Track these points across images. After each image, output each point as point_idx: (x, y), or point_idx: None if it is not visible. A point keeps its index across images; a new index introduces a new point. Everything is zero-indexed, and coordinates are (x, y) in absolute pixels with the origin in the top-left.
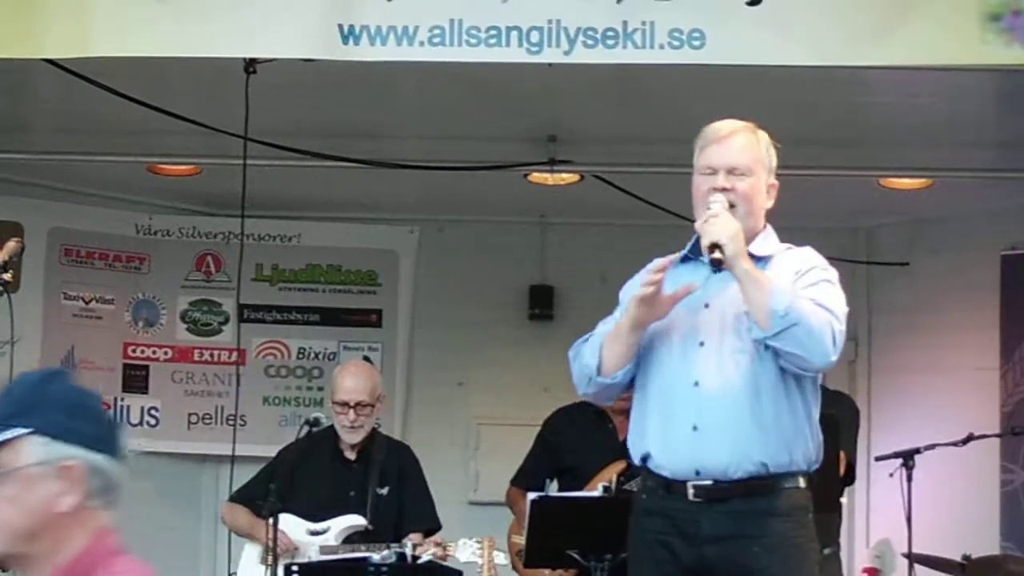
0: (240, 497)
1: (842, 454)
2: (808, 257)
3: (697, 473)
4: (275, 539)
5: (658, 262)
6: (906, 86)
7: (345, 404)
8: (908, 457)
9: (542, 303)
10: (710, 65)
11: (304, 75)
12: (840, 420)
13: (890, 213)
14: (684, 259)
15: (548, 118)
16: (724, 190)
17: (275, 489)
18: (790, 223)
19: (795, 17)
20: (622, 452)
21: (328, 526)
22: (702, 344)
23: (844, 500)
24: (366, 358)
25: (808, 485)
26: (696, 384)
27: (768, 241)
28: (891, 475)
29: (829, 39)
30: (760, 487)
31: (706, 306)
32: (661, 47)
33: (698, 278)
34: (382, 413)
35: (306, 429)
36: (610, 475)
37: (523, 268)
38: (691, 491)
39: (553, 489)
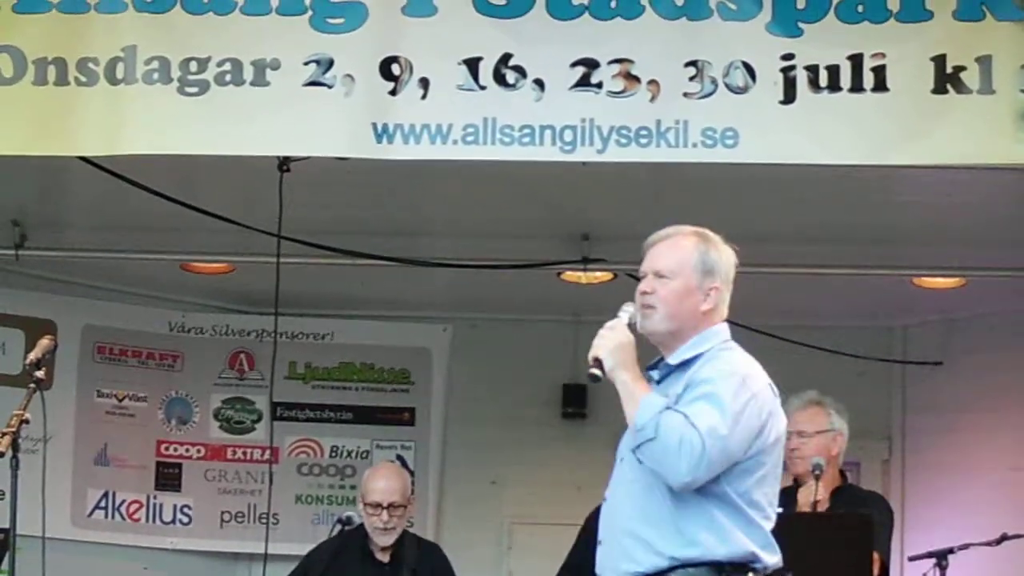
0: None
1: (876, 555)
2: (716, 368)
3: None
4: None
5: None
6: (939, 185)
7: (378, 505)
8: (942, 557)
9: (575, 401)
10: (743, 164)
11: (338, 173)
12: (875, 520)
13: (924, 312)
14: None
15: (581, 216)
16: (644, 293)
17: None
18: (825, 322)
19: (828, 117)
20: None
21: None
22: (622, 460)
23: None
24: (399, 457)
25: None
26: (606, 499)
27: (700, 345)
28: (925, 575)
29: (862, 139)
30: None
31: None
32: (695, 145)
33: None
34: (413, 513)
35: (339, 527)
36: None
37: (556, 366)
38: None
39: None
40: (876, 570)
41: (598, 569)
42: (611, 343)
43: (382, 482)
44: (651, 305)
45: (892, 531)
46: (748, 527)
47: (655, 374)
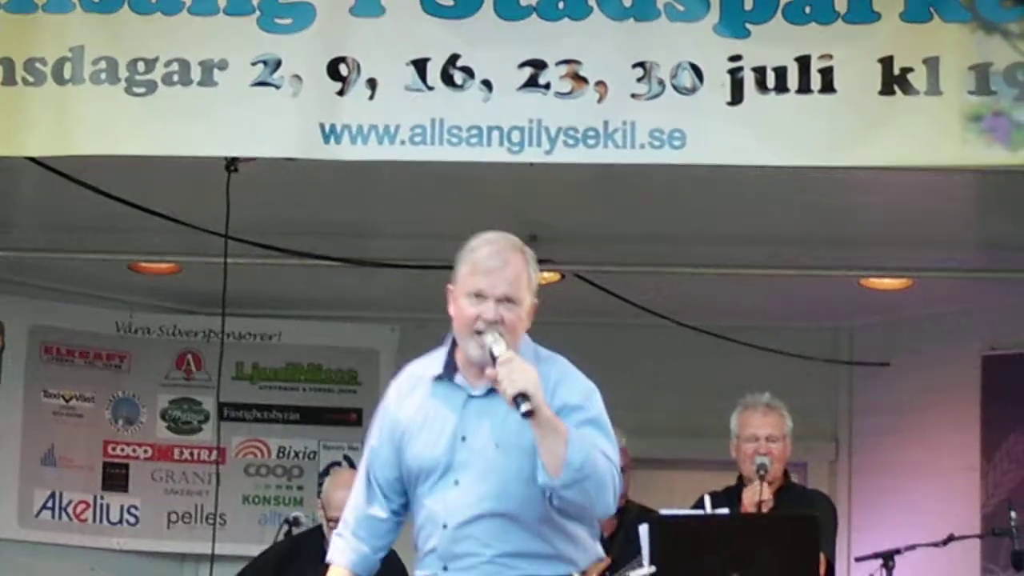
0: None
1: (822, 555)
2: (575, 388)
3: None
4: None
5: None
6: (886, 186)
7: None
8: (888, 558)
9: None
10: (690, 165)
11: (285, 173)
12: (820, 521)
13: (871, 313)
14: (439, 377)
15: (529, 217)
16: (494, 322)
17: None
18: (772, 323)
19: (775, 118)
20: (607, 548)
21: None
22: (457, 483)
23: None
24: (347, 457)
25: None
26: (445, 527)
27: (527, 358)
28: (872, 575)
29: (809, 140)
30: None
31: (463, 439)
32: (642, 147)
33: (454, 405)
34: None
35: (286, 528)
36: (596, 572)
37: None
38: None
39: None
40: (822, 570)
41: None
42: (532, 376)
43: (343, 492)
44: (501, 335)
45: (837, 530)
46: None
47: (476, 391)
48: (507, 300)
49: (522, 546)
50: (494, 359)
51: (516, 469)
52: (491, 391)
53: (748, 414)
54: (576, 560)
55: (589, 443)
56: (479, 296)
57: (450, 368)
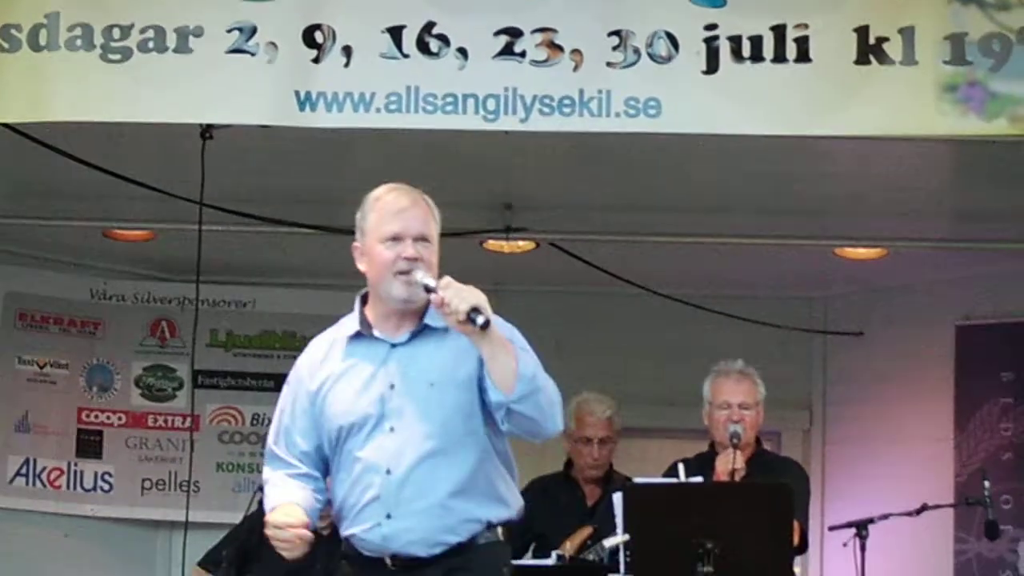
0: (210, 560)
1: (795, 523)
2: (501, 324)
3: (393, 556)
4: None
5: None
6: (861, 156)
7: None
8: (862, 527)
9: None
10: (666, 134)
11: (260, 141)
12: (793, 490)
13: (845, 283)
14: (356, 335)
15: (504, 186)
16: (413, 259)
17: (227, 555)
18: (746, 292)
19: (750, 86)
20: (590, 517)
21: None
22: (392, 430)
23: (798, 570)
24: None
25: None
26: (388, 472)
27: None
28: (845, 545)
29: (784, 109)
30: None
31: (391, 387)
32: (617, 115)
33: (376, 358)
34: None
35: (260, 495)
36: (578, 540)
37: None
38: (388, 562)
39: (528, 557)
40: (795, 538)
41: (384, 545)
42: (478, 291)
43: None
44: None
45: (809, 498)
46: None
47: (398, 339)
48: (422, 239)
49: (466, 486)
50: (431, 290)
51: (454, 404)
52: (413, 336)
53: (721, 381)
54: (511, 505)
55: (533, 360)
56: (395, 239)
57: (365, 325)
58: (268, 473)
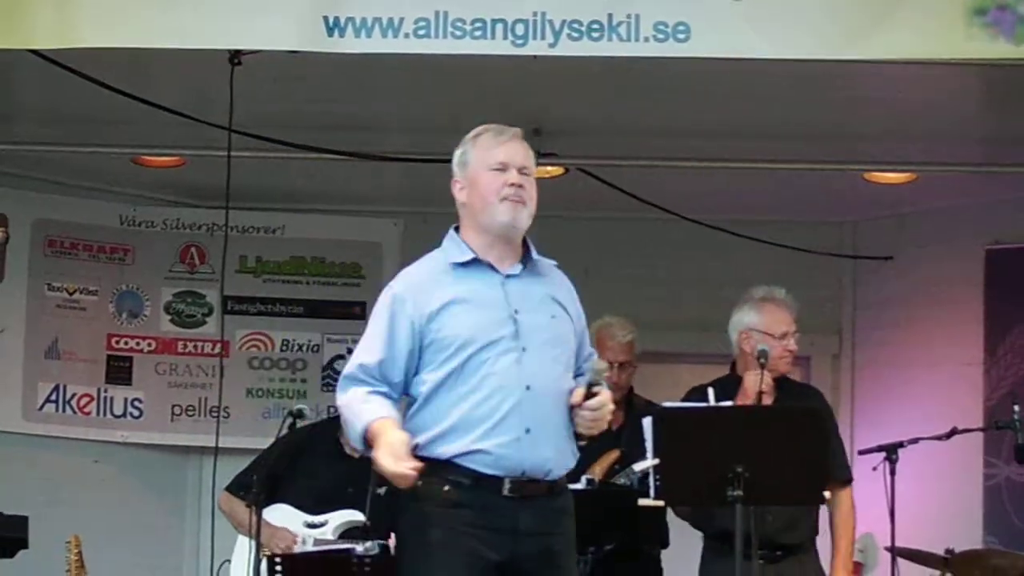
0: (238, 485)
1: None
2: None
3: (523, 473)
4: (258, 529)
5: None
6: (890, 80)
7: None
8: (891, 451)
9: None
10: (695, 58)
11: (289, 67)
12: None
13: (875, 207)
14: (466, 263)
15: (533, 111)
16: (518, 186)
17: (258, 480)
18: (775, 216)
19: (779, 12)
20: (615, 441)
21: (326, 519)
22: (524, 350)
23: (827, 494)
24: (350, 350)
25: None
26: (528, 388)
27: (542, 261)
28: (874, 469)
29: (812, 34)
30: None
31: (516, 311)
32: (646, 40)
33: (492, 284)
34: None
35: (289, 420)
36: (606, 464)
37: None
38: (507, 487)
39: None
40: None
41: (519, 461)
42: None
43: None
44: (523, 200)
45: (835, 425)
46: None
47: (510, 270)
48: (525, 171)
49: (565, 421)
50: (592, 385)
51: (567, 343)
52: (524, 270)
53: (772, 308)
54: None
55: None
56: (501, 167)
57: (475, 254)
58: (351, 393)
